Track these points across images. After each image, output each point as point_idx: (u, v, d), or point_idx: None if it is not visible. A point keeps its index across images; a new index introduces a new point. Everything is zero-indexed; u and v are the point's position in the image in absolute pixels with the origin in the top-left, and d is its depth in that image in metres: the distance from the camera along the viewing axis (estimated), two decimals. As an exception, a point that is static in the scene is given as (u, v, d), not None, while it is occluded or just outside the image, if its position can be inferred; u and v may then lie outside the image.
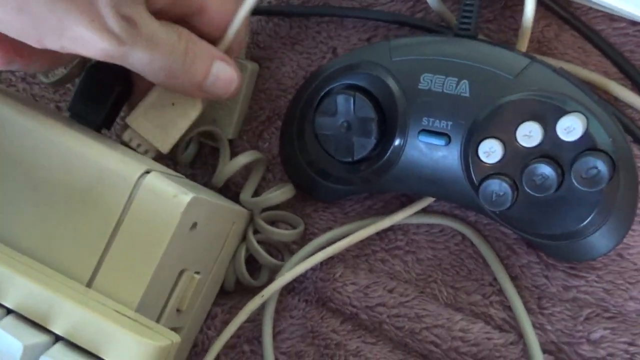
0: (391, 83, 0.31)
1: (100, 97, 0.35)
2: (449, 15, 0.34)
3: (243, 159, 0.35)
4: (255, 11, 0.38)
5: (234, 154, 0.37)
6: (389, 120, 0.31)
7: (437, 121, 0.30)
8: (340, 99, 0.32)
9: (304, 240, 0.36)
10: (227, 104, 0.37)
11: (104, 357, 0.25)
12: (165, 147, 0.33)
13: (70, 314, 0.26)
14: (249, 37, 0.39)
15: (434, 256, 0.34)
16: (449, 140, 0.30)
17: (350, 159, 0.32)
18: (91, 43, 0.26)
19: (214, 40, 0.31)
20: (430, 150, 0.30)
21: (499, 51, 0.30)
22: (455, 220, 0.34)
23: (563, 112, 0.28)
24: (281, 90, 0.38)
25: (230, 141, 0.38)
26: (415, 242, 0.34)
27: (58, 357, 0.25)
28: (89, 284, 0.28)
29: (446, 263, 0.33)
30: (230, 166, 0.35)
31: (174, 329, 0.32)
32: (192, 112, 0.33)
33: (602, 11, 0.33)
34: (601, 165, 0.27)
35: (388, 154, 0.31)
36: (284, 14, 0.38)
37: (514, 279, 0.32)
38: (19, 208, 0.30)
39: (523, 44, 0.31)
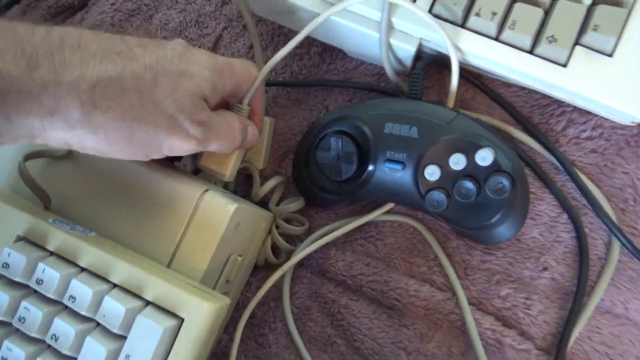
0: (366, 129, 0.30)
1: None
2: (402, 85, 0.34)
3: (272, 182, 0.34)
4: (275, 83, 0.38)
5: (264, 177, 0.36)
6: (365, 153, 0.31)
7: (397, 154, 0.30)
8: (333, 140, 0.31)
9: (309, 232, 0.35)
10: (257, 146, 0.36)
11: (180, 315, 0.25)
12: (226, 175, 0.31)
13: (157, 286, 0.25)
14: (269, 101, 0.38)
15: (395, 241, 0.33)
16: (404, 166, 0.30)
17: (339, 179, 0.32)
18: (181, 148, 0.25)
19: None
20: (392, 173, 0.30)
21: (436, 108, 0.30)
22: (409, 218, 0.33)
23: (479, 147, 0.27)
24: (292, 134, 0.37)
25: (261, 170, 0.37)
26: (383, 232, 0.33)
27: (149, 315, 0.24)
28: (168, 265, 0.28)
29: (403, 246, 0.33)
30: (264, 188, 0.34)
31: (225, 293, 0.32)
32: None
33: (501, 80, 0.32)
34: (505, 182, 0.27)
35: (364, 176, 0.31)
36: (293, 85, 0.38)
37: (448, 256, 0.31)
38: (119, 215, 0.29)
39: (451, 102, 0.31)
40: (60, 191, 0.30)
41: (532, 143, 0.31)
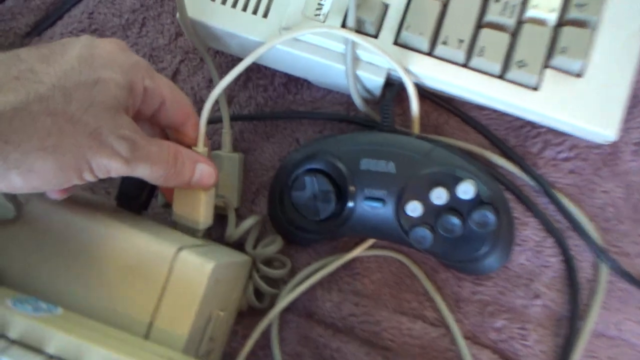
0: (341, 166, 0.30)
1: (137, 190, 0.33)
2: (373, 113, 0.33)
3: (247, 223, 0.33)
4: (240, 117, 0.37)
5: (238, 216, 0.35)
6: (342, 191, 0.30)
7: (375, 191, 0.29)
8: (307, 179, 0.30)
9: (291, 273, 0.34)
10: (229, 185, 0.35)
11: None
12: (199, 221, 0.30)
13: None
14: (235, 135, 0.37)
15: (382, 277, 0.32)
16: (384, 203, 0.29)
17: (318, 219, 0.31)
18: (109, 167, 0.23)
19: (184, 124, 0.29)
20: (372, 210, 0.29)
21: (411, 140, 0.29)
22: (394, 252, 0.32)
23: (459, 179, 0.27)
24: (264, 170, 0.36)
25: (236, 209, 0.36)
26: (368, 268, 0.33)
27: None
28: (146, 336, 0.26)
29: (391, 281, 0.32)
30: (239, 229, 0.33)
31: (209, 352, 0.30)
32: (201, 196, 0.30)
33: (474, 103, 0.32)
34: (489, 214, 0.27)
35: (344, 214, 0.30)
36: (259, 118, 0.36)
37: (438, 289, 0.31)
38: (86, 284, 0.27)
39: (415, 128, 0.30)
40: (15, 260, 0.28)
41: (510, 167, 0.31)
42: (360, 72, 0.30)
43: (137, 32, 0.41)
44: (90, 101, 0.22)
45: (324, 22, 0.29)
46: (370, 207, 0.29)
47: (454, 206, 0.27)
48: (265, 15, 0.30)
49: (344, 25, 0.29)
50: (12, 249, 0.28)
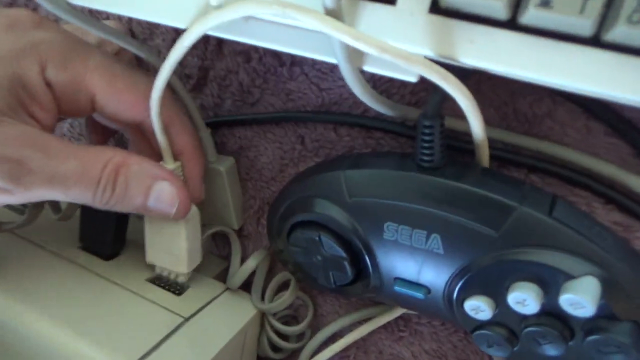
0: (352, 227, 0.18)
1: (102, 226, 0.25)
2: (409, 111, 0.19)
3: (249, 266, 0.25)
4: (219, 123, 0.25)
5: (244, 237, 0.26)
6: (361, 260, 0.19)
7: (411, 274, 0.17)
8: (307, 236, 0.19)
9: (314, 322, 0.25)
10: (222, 203, 0.26)
11: None
12: (183, 268, 0.23)
13: None
14: (221, 133, 0.26)
15: (439, 349, 0.22)
16: (428, 292, 0.17)
17: (332, 286, 0.21)
18: None
19: (142, 122, 0.21)
20: (410, 297, 0.18)
21: (473, 195, 0.16)
22: None
23: (566, 277, 0.14)
24: (264, 182, 0.25)
25: (238, 230, 0.26)
26: (419, 333, 0.23)
27: None
28: None
29: (452, 356, 0.22)
30: (240, 275, 0.25)
31: None
32: (180, 228, 0.22)
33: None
34: (622, 338, 0.14)
35: (368, 287, 0.19)
36: (240, 122, 0.24)
37: None
38: None
39: (484, 160, 0.17)
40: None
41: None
42: (370, 68, 0.16)
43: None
44: None
45: (282, -18, 0.14)
46: (405, 294, 0.18)
47: (555, 316, 0.15)
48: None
49: (322, -14, 0.14)
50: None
